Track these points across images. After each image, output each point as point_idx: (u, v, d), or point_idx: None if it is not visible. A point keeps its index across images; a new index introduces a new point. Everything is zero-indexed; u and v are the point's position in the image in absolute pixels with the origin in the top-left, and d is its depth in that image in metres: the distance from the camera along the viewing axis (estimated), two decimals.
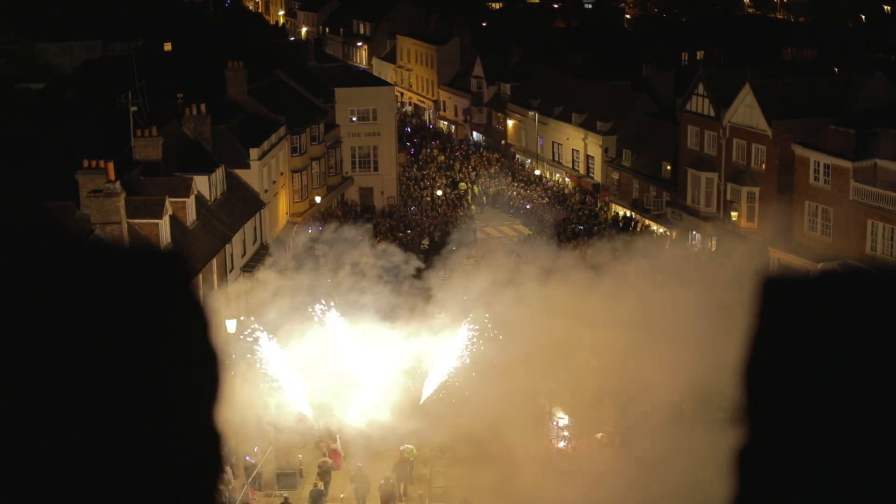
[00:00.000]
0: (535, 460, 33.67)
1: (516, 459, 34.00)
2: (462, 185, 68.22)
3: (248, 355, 34.71)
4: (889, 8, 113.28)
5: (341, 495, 33.43)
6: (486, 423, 33.63)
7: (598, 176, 66.36)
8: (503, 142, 77.93)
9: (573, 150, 68.94)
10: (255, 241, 47.25)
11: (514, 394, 34.37)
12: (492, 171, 72.32)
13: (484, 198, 67.21)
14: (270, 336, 35.34)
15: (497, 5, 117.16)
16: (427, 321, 36.95)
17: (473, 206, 65.08)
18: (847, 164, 47.17)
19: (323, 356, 36.14)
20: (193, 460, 1.22)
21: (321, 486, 33.00)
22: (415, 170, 72.34)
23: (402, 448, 34.48)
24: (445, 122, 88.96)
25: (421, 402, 36.59)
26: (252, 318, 36.49)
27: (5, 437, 1.12)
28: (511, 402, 34.06)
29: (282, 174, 53.87)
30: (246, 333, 35.37)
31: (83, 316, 1.16)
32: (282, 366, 35.24)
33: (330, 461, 34.23)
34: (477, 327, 36.47)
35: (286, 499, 32.84)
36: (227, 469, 30.86)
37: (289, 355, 35.63)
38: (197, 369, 1.23)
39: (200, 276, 38.29)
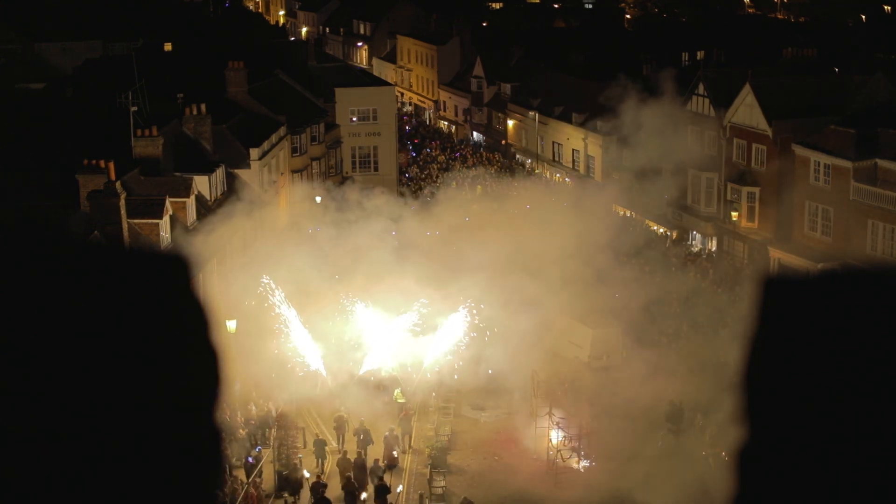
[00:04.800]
0: (536, 474, 33.92)
1: (516, 466, 34.25)
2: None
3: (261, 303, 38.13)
4: (889, 8, 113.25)
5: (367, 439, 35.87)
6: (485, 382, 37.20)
7: (598, 176, 66.36)
8: (503, 142, 77.94)
9: (573, 150, 68.94)
10: (255, 240, 47.24)
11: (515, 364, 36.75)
12: (492, 170, 72.31)
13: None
14: (282, 293, 38.64)
15: (497, 5, 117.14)
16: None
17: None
18: (847, 164, 47.14)
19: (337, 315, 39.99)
20: (193, 460, 1.22)
21: (324, 437, 35.75)
22: (415, 169, 72.34)
23: (394, 393, 37.99)
24: (445, 122, 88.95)
25: (425, 365, 39.48)
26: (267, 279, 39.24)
27: (5, 437, 1.12)
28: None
29: (282, 174, 53.86)
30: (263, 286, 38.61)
31: (83, 316, 1.16)
32: (296, 324, 38.76)
33: (346, 416, 36.53)
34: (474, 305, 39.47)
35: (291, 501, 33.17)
36: (227, 469, 31.05)
37: (302, 313, 38.99)
38: (197, 369, 1.23)
39: (201, 276, 38.35)
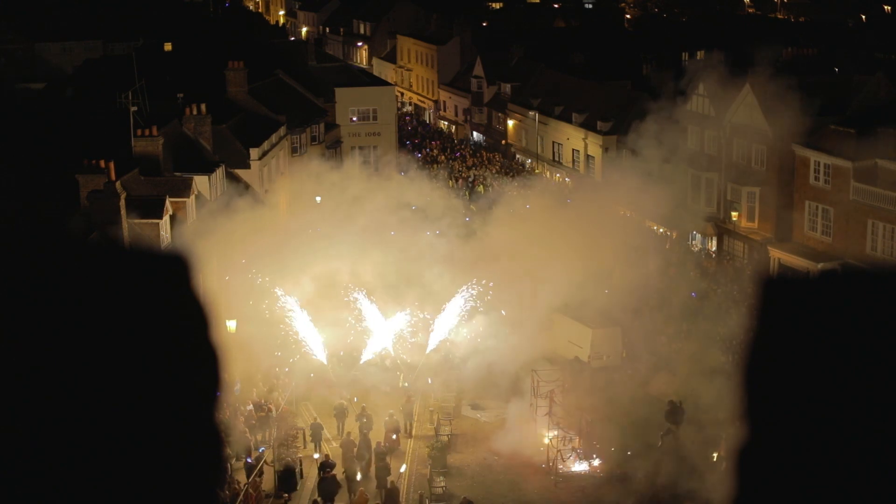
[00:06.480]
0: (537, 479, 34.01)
1: (517, 467, 34.30)
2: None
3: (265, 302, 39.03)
4: (889, 8, 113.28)
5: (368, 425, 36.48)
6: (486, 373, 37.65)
7: (598, 176, 66.35)
8: (503, 142, 77.92)
9: (573, 150, 68.94)
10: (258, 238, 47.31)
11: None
12: (492, 170, 72.32)
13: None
14: (287, 294, 39.55)
15: (497, 5, 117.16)
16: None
17: (472, 206, 65.18)
18: (847, 164, 47.11)
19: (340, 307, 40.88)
20: (194, 460, 1.22)
21: (321, 422, 36.42)
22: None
23: (401, 384, 38.97)
24: (445, 122, 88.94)
25: (427, 352, 40.34)
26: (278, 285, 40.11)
27: (6, 436, 1.12)
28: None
29: (282, 174, 53.86)
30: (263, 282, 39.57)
31: (84, 316, 1.16)
32: (300, 317, 39.55)
33: (346, 404, 37.23)
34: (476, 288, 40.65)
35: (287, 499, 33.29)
36: (228, 468, 31.08)
37: (305, 306, 39.74)
38: (198, 369, 1.23)
39: (201, 276, 38.43)
